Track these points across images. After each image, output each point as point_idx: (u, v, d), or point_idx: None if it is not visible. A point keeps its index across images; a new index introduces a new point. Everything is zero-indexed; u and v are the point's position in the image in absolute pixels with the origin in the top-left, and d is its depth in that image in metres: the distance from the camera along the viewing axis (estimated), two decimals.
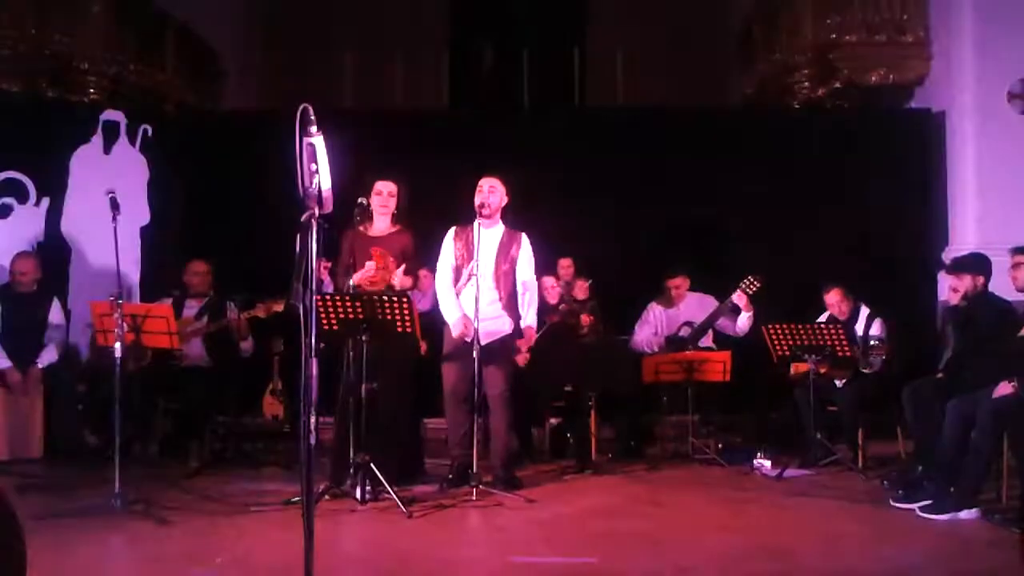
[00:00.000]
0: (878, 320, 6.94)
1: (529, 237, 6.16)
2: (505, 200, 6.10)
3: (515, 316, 6.19)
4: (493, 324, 5.99)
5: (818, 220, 8.42)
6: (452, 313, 6.02)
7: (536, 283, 6.27)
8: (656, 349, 7.52)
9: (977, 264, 5.96)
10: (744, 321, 7.34)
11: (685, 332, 7.49)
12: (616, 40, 12.95)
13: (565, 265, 7.87)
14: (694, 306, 7.59)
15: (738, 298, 7.25)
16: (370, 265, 5.82)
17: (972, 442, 5.20)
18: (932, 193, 8.65)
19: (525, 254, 6.12)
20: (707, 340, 7.53)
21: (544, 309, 7.45)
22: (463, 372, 5.89)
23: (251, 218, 8.11)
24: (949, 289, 6.08)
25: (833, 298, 7.02)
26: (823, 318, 7.07)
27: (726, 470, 6.71)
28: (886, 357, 6.77)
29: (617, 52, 12.50)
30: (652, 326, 7.67)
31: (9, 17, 8.59)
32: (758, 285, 7.23)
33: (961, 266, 6.02)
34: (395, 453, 5.95)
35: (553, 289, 7.48)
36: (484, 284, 5.91)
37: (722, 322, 7.45)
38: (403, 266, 5.93)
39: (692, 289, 7.67)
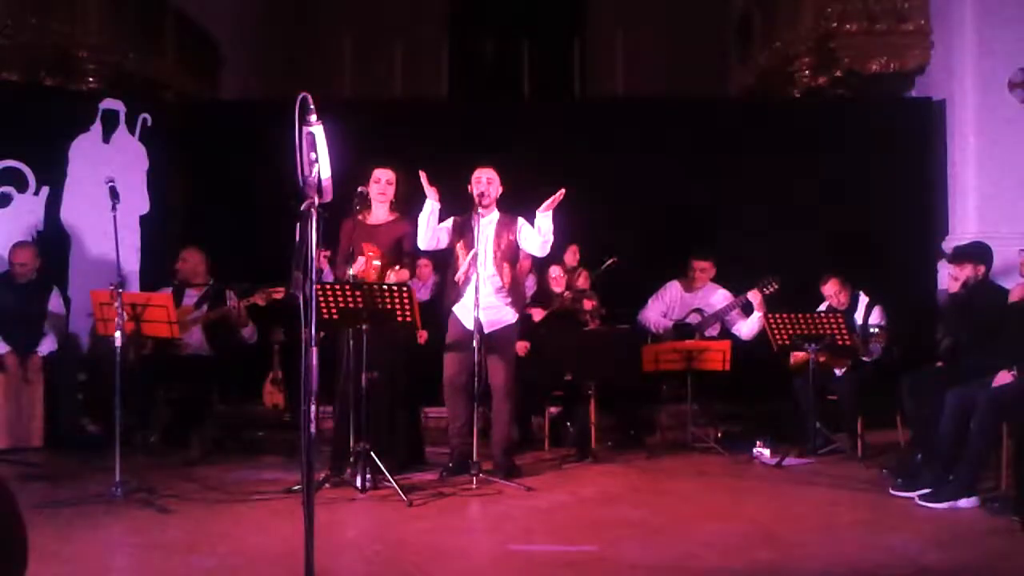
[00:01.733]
0: (877, 308, 6.94)
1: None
2: (500, 190, 6.11)
3: (518, 304, 6.20)
4: (496, 314, 6.00)
5: (818, 209, 8.41)
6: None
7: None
8: (661, 331, 7.52)
9: (978, 253, 5.96)
10: (754, 323, 7.28)
11: (694, 319, 7.49)
12: (616, 30, 12.93)
13: (572, 251, 7.88)
14: (712, 296, 7.57)
15: (752, 296, 7.23)
16: (360, 260, 5.81)
17: (971, 431, 5.20)
18: (932, 182, 8.64)
19: (524, 231, 6.08)
20: (714, 333, 7.52)
21: (548, 297, 7.46)
22: (463, 362, 5.90)
23: (251, 207, 8.10)
24: (949, 277, 6.07)
25: (830, 288, 7.01)
26: (822, 307, 7.07)
27: (726, 459, 6.71)
28: (886, 344, 6.78)
29: (617, 42, 12.49)
30: (665, 305, 7.64)
31: (8, 6, 8.55)
32: (775, 286, 7.19)
33: (962, 255, 6.02)
34: (395, 442, 5.97)
35: (560, 278, 7.50)
36: (485, 274, 5.92)
37: (732, 319, 7.44)
38: (396, 266, 5.90)
39: (713, 280, 7.66)
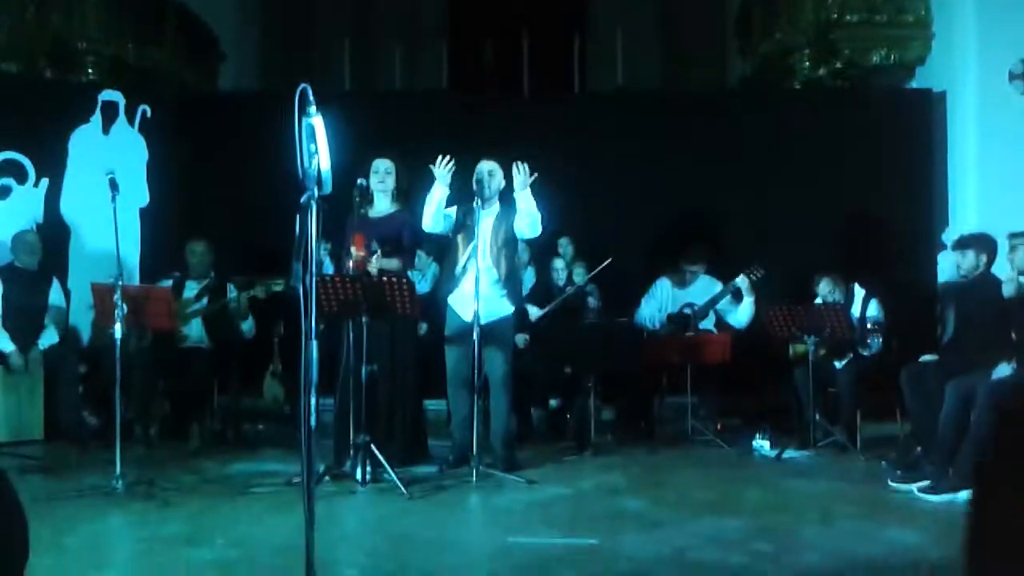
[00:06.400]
0: (874, 301, 6.94)
1: None
2: (503, 184, 6.10)
3: (515, 296, 6.19)
4: (492, 305, 5.99)
5: (819, 201, 8.40)
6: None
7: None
8: (658, 326, 7.52)
9: (981, 242, 5.95)
10: (746, 309, 7.31)
11: (687, 311, 7.49)
12: (616, 23, 12.90)
13: (563, 245, 7.88)
14: (703, 288, 7.57)
15: (741, 282, 7.25)
16: (353, 252, 5.79)
17: (971, 423, 5.20)
18: (933, 173, 8.63)
19: (516, 219, 6.06)
20: (709, 325, 7.52)
21: (550, 291, 7.45)
22: (464, 354, 5.89)
23: (250, 199, 8.09)
24: (954, 265, 6.04)
25: (823, 288, 6.99)
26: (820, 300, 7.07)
27: (725, 451, 6.72)
28: (884, 338, 6.77)
29: (617, 35, 12.46)
30: (658, 301, 7.65)
31: None
32: (762, 272, 7.22)
33: (966, 242, 6.02)
34: (396, 435, 5.97)
35: (562, 271, 7.50)
36: (483, 265, 5.91)
37: (724, 307, 7.44)
38: (377, 252, 5.88)
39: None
